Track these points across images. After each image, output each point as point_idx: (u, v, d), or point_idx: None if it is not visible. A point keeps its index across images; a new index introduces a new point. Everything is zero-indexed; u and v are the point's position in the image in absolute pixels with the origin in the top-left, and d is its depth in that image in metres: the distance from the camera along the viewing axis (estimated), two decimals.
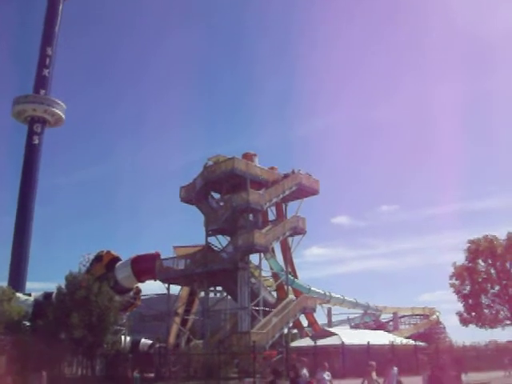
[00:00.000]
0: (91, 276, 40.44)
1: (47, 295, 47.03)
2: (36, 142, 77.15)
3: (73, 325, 35.47)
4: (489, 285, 34.58)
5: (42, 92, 77.80)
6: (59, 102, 79.00)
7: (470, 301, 34.52)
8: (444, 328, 66.09)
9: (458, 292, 34.92)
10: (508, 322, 34.34)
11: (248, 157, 43.67)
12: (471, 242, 35.02)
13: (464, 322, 35.02)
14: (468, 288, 34.73)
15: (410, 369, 34.23)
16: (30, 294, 52.49)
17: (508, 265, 34.22)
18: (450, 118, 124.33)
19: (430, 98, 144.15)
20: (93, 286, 37.67)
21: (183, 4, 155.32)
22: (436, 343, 47.30)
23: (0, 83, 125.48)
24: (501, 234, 34.90)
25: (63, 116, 79.21)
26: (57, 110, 78.25)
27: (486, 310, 34.61)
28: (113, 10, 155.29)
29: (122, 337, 46.84)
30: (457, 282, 34.79)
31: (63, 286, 38.96)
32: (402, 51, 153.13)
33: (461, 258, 35.30)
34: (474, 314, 34.61)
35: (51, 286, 46.73)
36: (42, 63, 78.44)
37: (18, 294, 49.30)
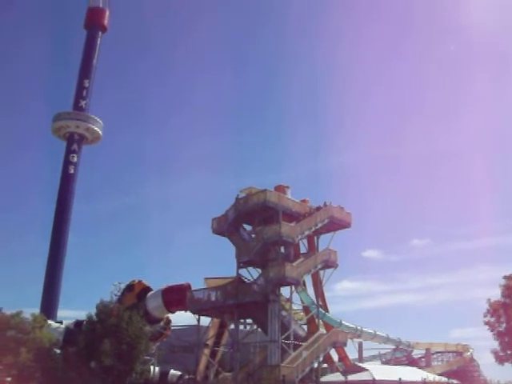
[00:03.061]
0: (122, 305, 40.63)
1: (78, 323, 47.24)
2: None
3: (103, 352, 35.58)
4: None
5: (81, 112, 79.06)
6: (97, 119, 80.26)
7: (506, 338, 33.76)
8: (478, 366, 64.66)
9: (492, 329, 34.21)
10: None
11: (280, 189, 43.73)
12: (507, 277, 34.43)
13: (500, 360, 34.21)
14: (504, 325, 34.02)
15: None
16: (61, 322, 52.77)
17: None
18: (485, 147, 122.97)
19: (462, 125, 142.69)
20: (123, 315, 37.84)
21: (216, 48, 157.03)
22: (470, 381, 46.39)
23: (38, 99, 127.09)
24: None
25: (101, 133, 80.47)
26: (96, 128, 79.49)
27: None
28: (153, 46, 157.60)
29: (151, 367, 46.73)
30: (492, 319, 34.12)
31: (93, 315, 39.22)
32: (439, 83, 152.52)
33: (494, 294, 34.69)
34: (510, 352, 33.83)
35: (82, 314, 46.99)
36: (80, 95, 79.89)
37: (50, 322, 49.56)
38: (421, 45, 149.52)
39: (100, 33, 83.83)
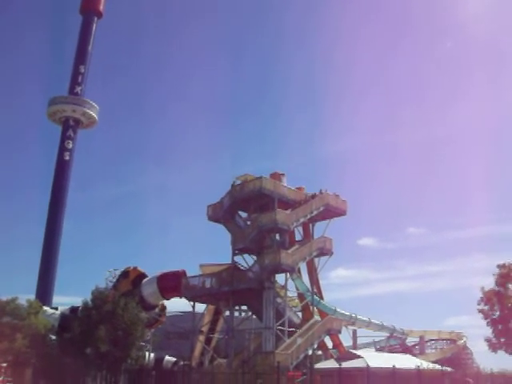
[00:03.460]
0: (117, 291, 40.68)
1: (74, 309, 47.29)
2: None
3: (99, 338, 35.62)
4: None
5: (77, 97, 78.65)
6: (93, 103, 79.88)
7: (500, 326, 33.91)
8: (471, 353, 65.01)
9: (486, 317, 34.36)
10: None
11: (276, 176, 43.73)
12: (501, 266, 34.55)
13: (493, 347, 34.40)
14: (497, 313, 34.17)
15: None
16: (56, 308, 52.92)
17: None
18: (481, 139, 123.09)
19: (458, 116, 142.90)
20: (119, 301, 37.88)
21: (213, 37, 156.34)
22: (463, 369, 46.61)
23: (33, 84, 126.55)
24: None
25: (96, 117, 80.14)
26: (91, 112, 79.14)
27: None
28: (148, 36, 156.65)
29: (147, 353, 46.85)
30: (486, 307, 34.26)
31: (89, 301, 39.24)
32: (431, 70, 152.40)
33: (488, 283, 34.83)
34: (503, 339, 34.00)
35: (78, 301, 47.04)
36: (75, 80, 79.47)
37: (45, 308, 49.69)
38: (419, 40, 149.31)
39: (95, 18, 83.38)
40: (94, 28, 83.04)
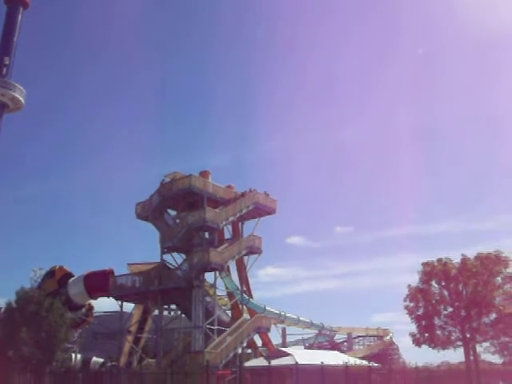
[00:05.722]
0: (43, 291, 39.59)
1: None
2: None
3: (22, 341, 34.57)
4: (442, 306, 34.75)
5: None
6: (18, 85, 77.09)
7: (424, 322, 34.60)
8: (397, 349, 66.57)
9: (411, 313, 35.05)
10: (459, 344, 34.55)
11: (205, 175, 43.72)
12: (425, 264, 35.26)
13: (417, 342, 35.11)
14: (421, 309, 34.95)
15: None
16: None
17: (461, 287, 34.53)
18: (408, 141, 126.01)
19: (389, 119, 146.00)
20: (44, 302, 36.84)
21: (144, 32, 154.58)
22: (389, 364, 47.54)
23: None
24: (454, 257, 35.31)
25: (22, 100, 77.31)
26: (21, 98, 76.25)
27: (438, 332, 34.72)
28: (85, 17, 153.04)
29: (73, 354, 45.84)
30: (411, 304, 34.99)
31: (13, 302, 38.02)
32: (368, 73, 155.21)
33: (414, 280, 35.56)
34: (426, 335, 34.73)
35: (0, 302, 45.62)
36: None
37: None
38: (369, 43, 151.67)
39: (21, 8, 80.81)
40: (19, 18, 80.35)
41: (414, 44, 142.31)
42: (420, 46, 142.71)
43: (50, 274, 47.74)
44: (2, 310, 40.66)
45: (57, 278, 47.39)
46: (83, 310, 49.23)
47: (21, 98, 77.31)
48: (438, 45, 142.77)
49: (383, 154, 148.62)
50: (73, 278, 47.75)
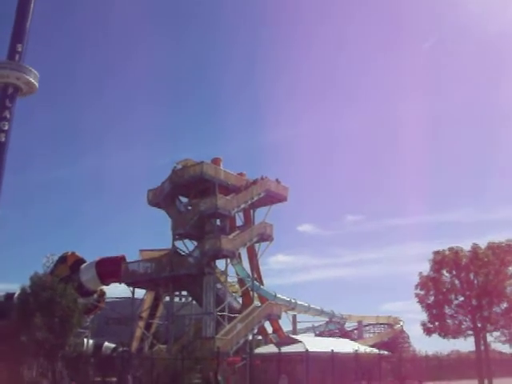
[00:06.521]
0: (55, 277, 39.86)
1: (9, 296, 46.26)
2: (6, 127, 74.81)
3: (36, 326, 34.89)
4: (453, 295, 34.83)
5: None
6: (32, 69, 77.08)
7: (434, 311, 34.69)
8: (408, 337, 66.65)
9: (422, 302, 35.10)
10: (470, 333, 34.60)
11: (217, 162, 43.70)
12: (436, 252, 35.30)
13: (427, 331, 35.21)
14: (432, 298, 34.96)
15: (373, 377, 34.50)
16: None
17: (472, 276, 34.53)
18: (418, 132, 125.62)
19: (399, 108, 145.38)
20: (58, 287, 37.13)
21: (153, 18, 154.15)
22: (399, 352, 47.67)
23: None
24: (465, 246, 35.28)
25: (36, 83, 77.29)
26: (31, 78, 76.26)
27: (449, 321, 34.82)
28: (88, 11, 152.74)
29: (85, 340, 46.22)
30: (421, 292, 35.01)
31: (27, 287, 38.33)
32: (372, 60, 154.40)
33: (425, 269, 35.59)
34: (437, 323, 34.82)
35: (13, 287, 46.02)
36: (13, 53, 76.77)
37: None
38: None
39: None
40: (31, 5, 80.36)
41: (419, 38, 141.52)
42: (425, 40, 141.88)
43: (62, 259, 48.07)
44: (16, 295, 41.06)
45: (69, 264, 47.72)
46: (95, 295, 49.56)
47: (35, 82, 77.33)
48: (442, 38, 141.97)
49: (395, 142, 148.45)
50: (85, 264, 48.04)
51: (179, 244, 43.35)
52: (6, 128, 74.86)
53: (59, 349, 36.95)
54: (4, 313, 38.51)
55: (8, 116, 74.74)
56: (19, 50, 76.85)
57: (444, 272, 35.26)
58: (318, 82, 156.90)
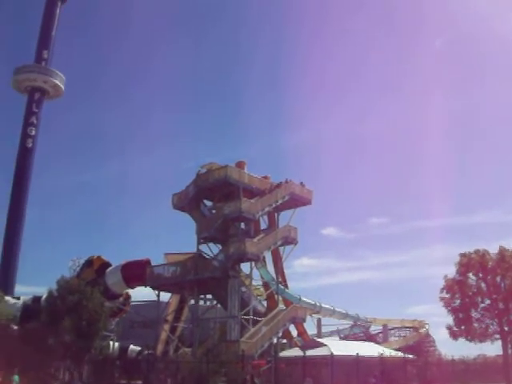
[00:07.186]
0: (81, 281, 40.25)
1: (36, 299, 46.75)
2: (32, 133, 75.79)
3: (64, 329, 35.26)
4: (479, 299, 34.57)
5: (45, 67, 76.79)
6: (58, 72, 78.07)
7: (460, 314, 34.47)
8: (433, 341, 66.13)
9: (447, 305, 34.88)
10: (497, 337, 34.31)
11: (241, 165, 43.73)
12: (462, 255, 35.05)
13: (453, 335, 34.99)
14: (458, 301, 34.72)
15: (398, 381, 34.27)
16: (18, 298, 52.09)
17: (498, 279, 34.25)
18: (442, 133, 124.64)
19: (424, 109, 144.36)
20: (85, 291, 37.49)
21: (176, 22, 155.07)
22: (425, 356, 47.30)
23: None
24: (491, 249, 34.97)
25: (62, 87, 78.20)
26: (57, 82, 77.23)
27: (475, 324, 34.57)
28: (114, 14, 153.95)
29: (111, 343, 46.55)
30: (447, 296, 34.77)
31: (54, 291, 38.75)
32: (395, 64, 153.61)
33: (450, 272, 35.35)
34: (463, 327, 34.57)
35: (40, 291, 46.49)
36: (39, 58, 77.77)
37: (7, 297, 48.94)
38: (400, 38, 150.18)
39: (59, 3, 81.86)
40: (57, 12, 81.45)
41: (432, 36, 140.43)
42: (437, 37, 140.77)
43: (88, 263, 48.51)
44: (43, 298, 41.52)
45: (94, 268, 48.09)
46: (121, 299, 49.88)
47: (61, 85, 78.20)
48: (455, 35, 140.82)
49: (419, 144, 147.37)
50: (110, 268, 48.35)
51: (204, 247, 43.48)
52: (33, 133, 76.16)
53: (86, 352, 37.36)
54: (32, 316, 38.90)
55: (35, 122, 75.98)
56: (45, 56, 78.11)
57: (470, 275, 35.01)
58: (342, 83, 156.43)
